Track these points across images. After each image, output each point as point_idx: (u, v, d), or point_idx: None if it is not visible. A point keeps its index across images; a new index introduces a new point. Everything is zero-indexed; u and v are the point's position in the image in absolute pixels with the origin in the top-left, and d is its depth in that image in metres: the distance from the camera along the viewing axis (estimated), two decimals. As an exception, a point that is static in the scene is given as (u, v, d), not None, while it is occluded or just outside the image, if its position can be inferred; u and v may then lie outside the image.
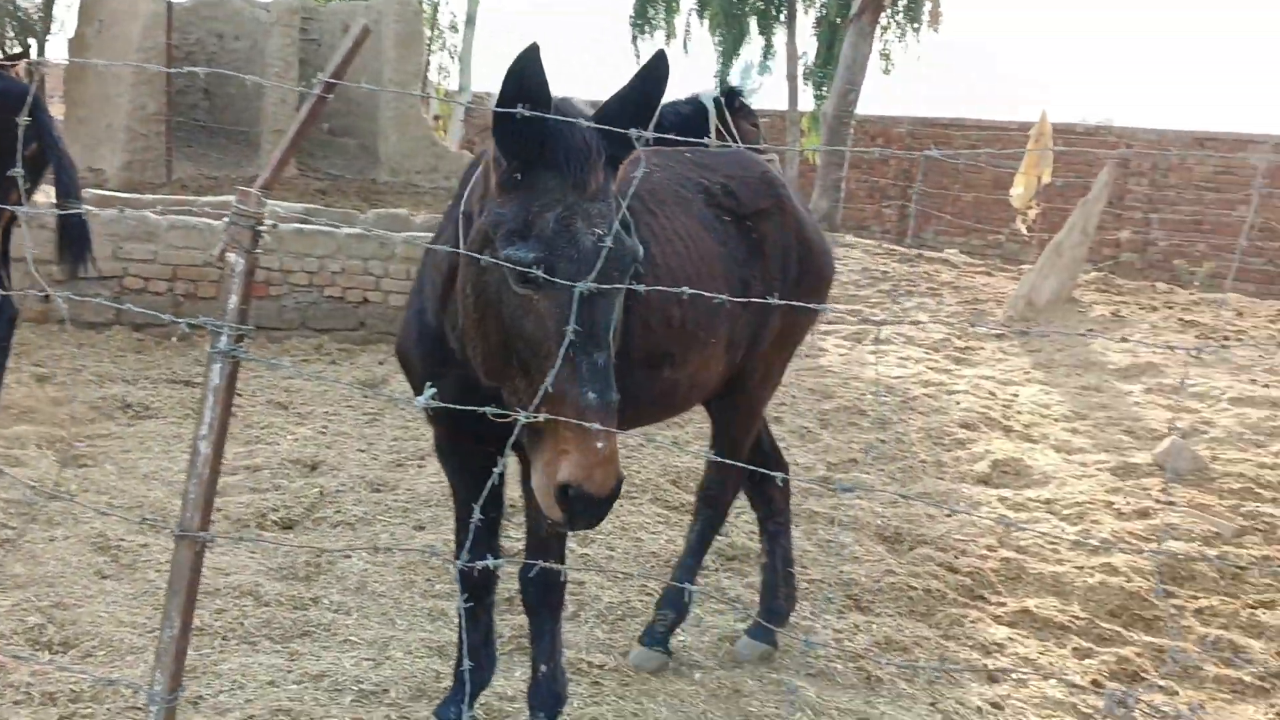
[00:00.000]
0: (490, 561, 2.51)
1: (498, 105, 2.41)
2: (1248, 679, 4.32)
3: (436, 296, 3.02)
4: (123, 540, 4.69)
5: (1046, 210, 14.23)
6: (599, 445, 2.36)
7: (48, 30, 18.85)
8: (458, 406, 2.45)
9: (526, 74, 2.41)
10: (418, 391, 2.86)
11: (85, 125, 15.71)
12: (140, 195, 11.15)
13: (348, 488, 5.58)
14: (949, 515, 5.70)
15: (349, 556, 4.73)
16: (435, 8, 25.82)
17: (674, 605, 4.17)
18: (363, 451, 6.24)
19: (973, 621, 4.69)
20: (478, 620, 3.39)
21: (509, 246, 2.43)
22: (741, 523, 5.56)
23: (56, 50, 19.06)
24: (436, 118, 21.82)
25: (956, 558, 5.29)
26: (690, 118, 8.02)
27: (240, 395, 7.04)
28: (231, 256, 2.07)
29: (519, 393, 2.51)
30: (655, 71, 2.72)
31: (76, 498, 5.07)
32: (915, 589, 4.87)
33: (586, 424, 2.35)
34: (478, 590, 3.33)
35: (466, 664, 2.46)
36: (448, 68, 26.66)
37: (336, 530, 5.14)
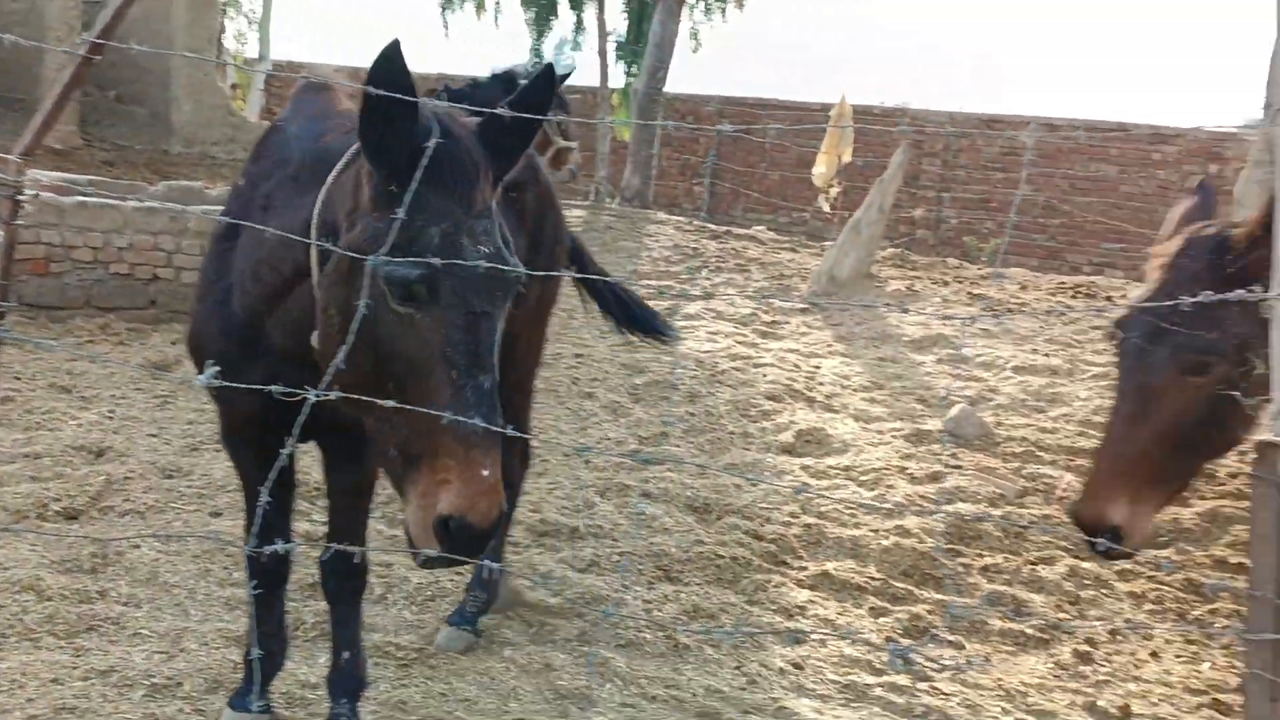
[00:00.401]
0: (280, 546, 2.41)
1: (363, 115, 2.27)
2: (1029, 631, 4.61)
3: (264, 296, 2.81)
4: (-120, 537, 4.34)
5: (847, 189, 14.72)
6: (484, 473, 2.19)
7: None
8: (244, 386, 2.32)
9: (393, 77, 2.26)
10: (222, 394, 2.68)
11: None
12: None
13: (137, 474, 5.30)
14: (755, 485, 5.85)
15: (138, 546, 4.51)
16: (231, -28, 24.64)
17: (484, 585, 4.16)
18: (154, 436, 5.93)
19: (776, 586, 4.84)
20: (271, 607, 3.27)
21: (389, 263, 2.25)
22: (554, 498, 5.57)
23: None
24: (235, 86, 20.87)
25: (762, 525, 5.43)
26: (503, 97, 7.89)
27: (19, 379, 6.60)
28: (-13, 228, 1.91)
29: (391, 419, 2.30)
30: (542, 86, 2.60)
31: None
32: (722, 557, 4.98)
33: (470, 451, 2.19)
34: (270, 577, 3.19)
35: (256, 652, 2.35)
36: (246, 34, 25.51)
37: (125, 519, 4.88)
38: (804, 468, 6.46)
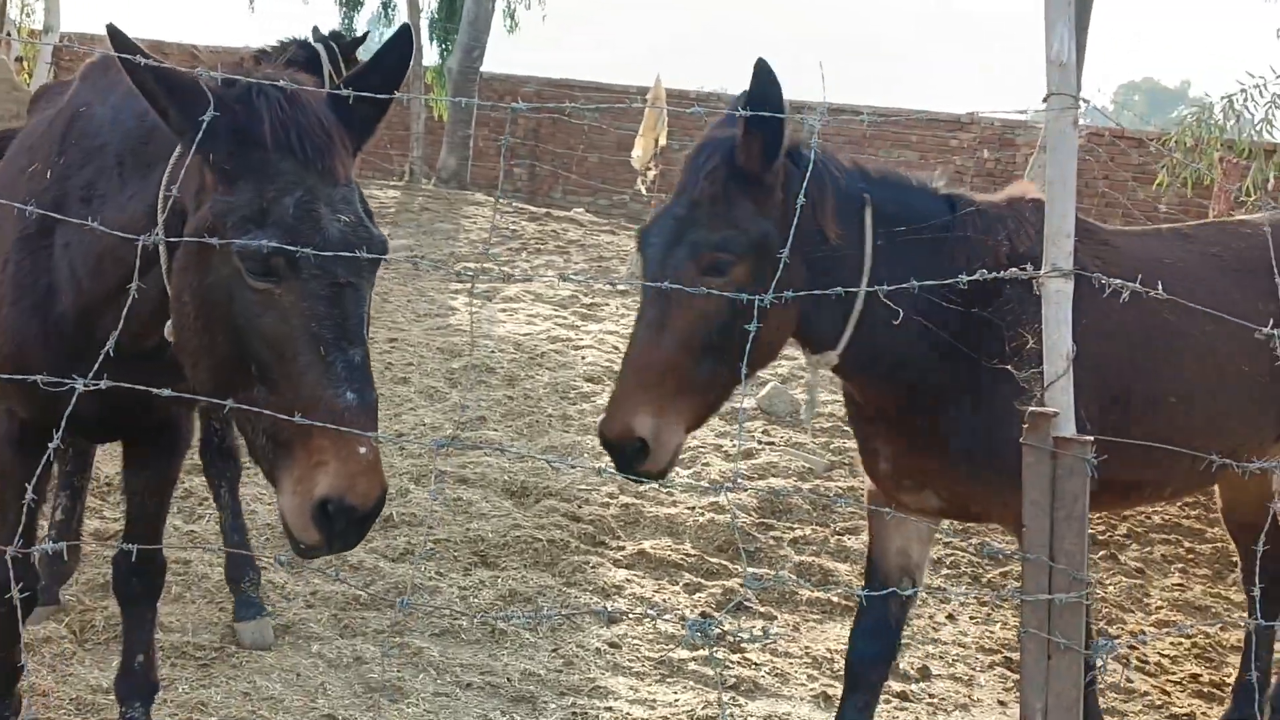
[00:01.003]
0: (49, 546, 2.25)
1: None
2: (836, 600, 4.76)
3: (105, 292, 2.57)
4: None
5: (664, 171, 14.89)
6: (361, 451, 2.06)
7: None
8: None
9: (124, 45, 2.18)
10: (31, 396, 2.46)
11: None
12: None
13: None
14: (572, 468, 5.85)
15: None
16: (12, -66, 23.02)
17: (248, 565, 4.08)
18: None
19: (594, 567, 4.86)
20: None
21: (242, 235, 2.11)
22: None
23: None
24: (19, 59, 19.54)
25: (580, 507, 5.44)
26: (304, 64, 7.65)
27: None
28: None
29: (258, 403, 2.15)
30: (398, 48, 2.49)
31: None
32: (540, 540, 4.97)
33: (345, 429, 2.05)
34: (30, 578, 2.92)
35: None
36: (32, 5, 23.89)
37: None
38: (621, 448, 6.49)
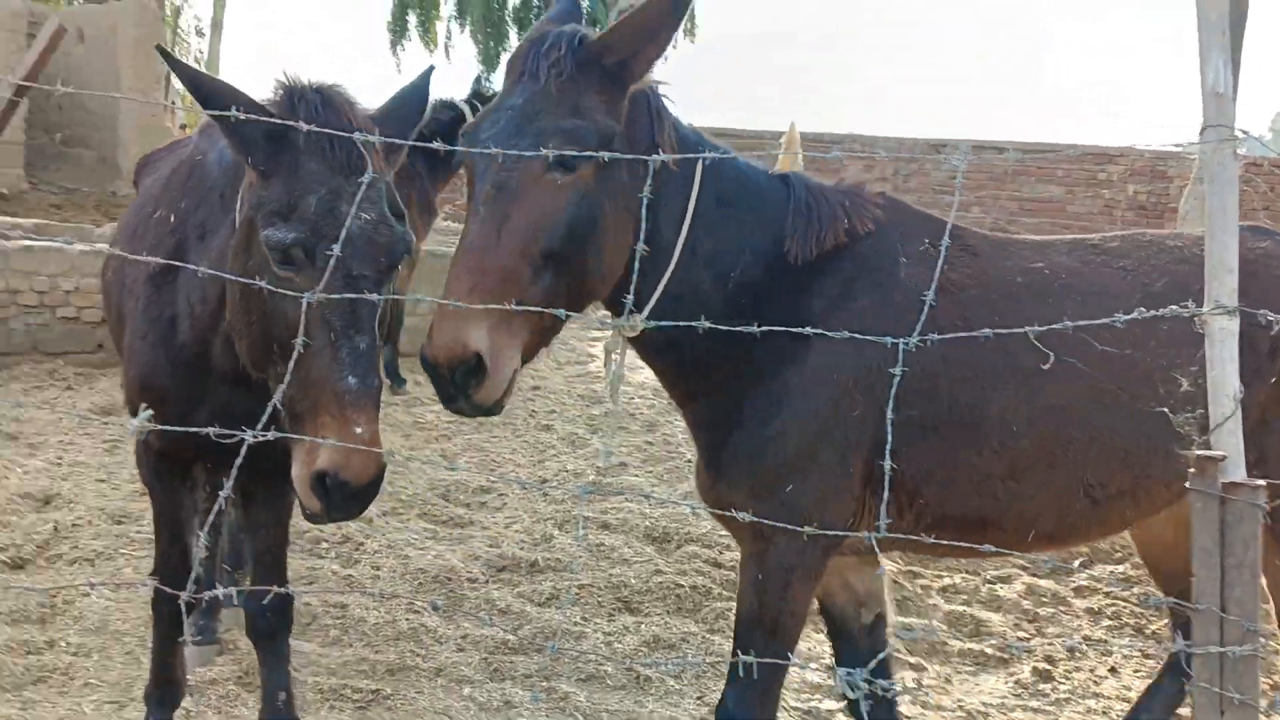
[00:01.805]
0: (220, 591, 2.37)
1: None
2: (989, 651, 4.62)
3: (209, 311, 2.82)
4: None
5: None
6: (358, 431, 2.26)
7: None
8: (178, 429, 2.31)
9: (217, 85, 2.45)
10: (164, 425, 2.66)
11: None
12: None
13: (85, 521, 5.20)
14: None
15: (88, 594, 4.42)
16: (178, 12, 24.59)
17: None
18: (102, 481, 5.83)
19: (737, 614, 4.82)
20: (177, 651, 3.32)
21: (269, 227, 2.36)
22: (512, 533, 5.53)
23: None
24: (183, 127, 20.76)
25: (721, 554, 5.42)
26: (450, 124, 7.94)
27: (-37, 427, 6.47)
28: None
29: (280, 380, 2.36)
30: (419, 89, 2.80)
31: None
32: (683, 586, 4.96)
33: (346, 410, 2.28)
34: (178, 619, 3.18)
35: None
36: (194, 74, 25.40)
37: (74, 567, 4.78)
38: (763, 494, 6.45)
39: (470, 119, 7.90)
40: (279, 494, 3.24)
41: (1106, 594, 5.18)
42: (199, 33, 25.49)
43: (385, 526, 5.52)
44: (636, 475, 6.66)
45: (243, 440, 2.12)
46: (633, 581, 4.99)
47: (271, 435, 2.16)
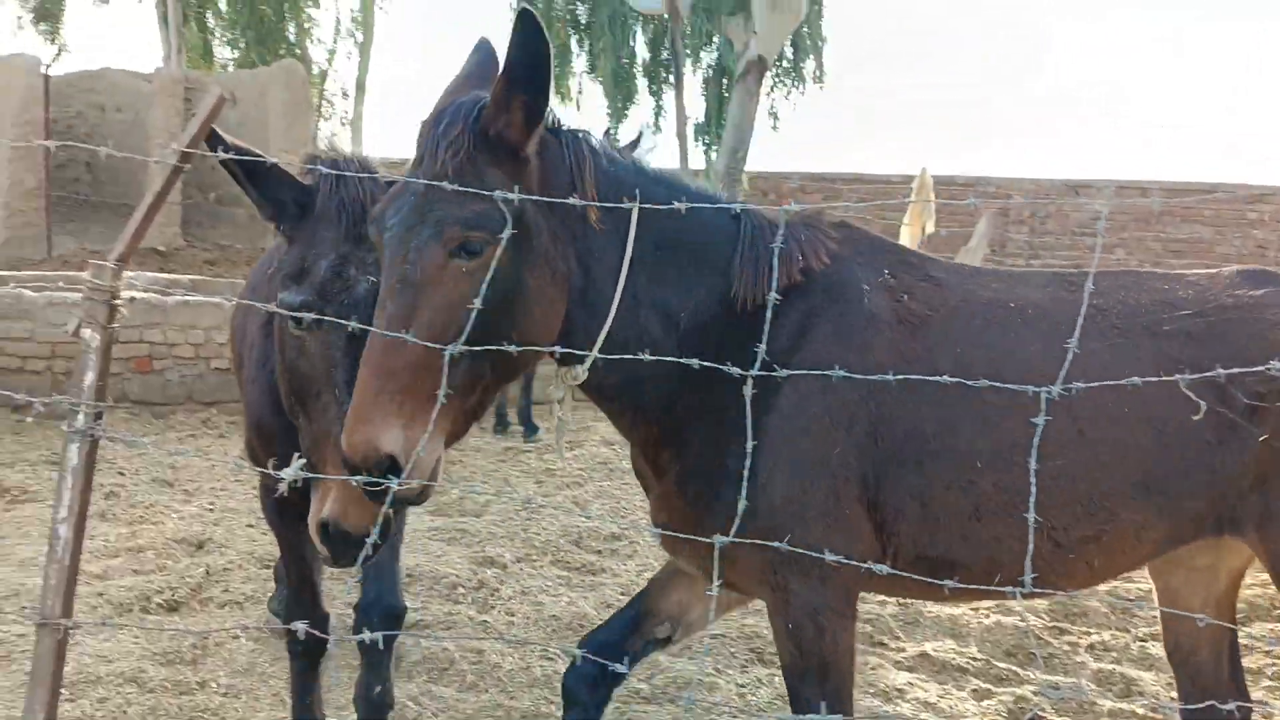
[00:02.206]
0: (367, 635, 2.43)
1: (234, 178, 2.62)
2: (1140, 712, 4.41)
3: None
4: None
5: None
6: (354, 484, 2.24)
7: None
8: (329, 476, 2.41)
9: (240, 151, 2.60)
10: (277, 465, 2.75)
11: (-41, 202, 15.19)
12: (16, 272, 10.80)
13: (236, 565, 5.41)
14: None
15: (238, 637, 4.58)
16: (324, 75, 25.71)
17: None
18: (251, 527, 6.06)
19: (873, 668, 4.71)
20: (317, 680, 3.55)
21: (283, 290, 2.59)
22: (643, 580, 5.52)
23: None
24: (329, 185, 21.63)
25: (857, 605, 5.31)
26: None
27: (123, 474, 6.81)
28: (87, 332, 2.00)
29: (301, 431, 2.67)
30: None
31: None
32: (816, 639, 4.87)
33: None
34: (317, 649, 3.45)
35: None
36: (339, 134, 26.51)
37: (224, 610, 4.96)
38: (898, 544, 6.32)
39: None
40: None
41: (1266, 652, 4.90)
42: (344, 94, 26.59)
43: (519, 572, 5.59)
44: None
45: None
46: (765, 632, 4.92)
47: (417, 483, 2.21)
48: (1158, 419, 2.58)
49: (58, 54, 21.80)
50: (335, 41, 25.68)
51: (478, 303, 2.14)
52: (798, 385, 2.45)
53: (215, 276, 12.19)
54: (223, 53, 25.25)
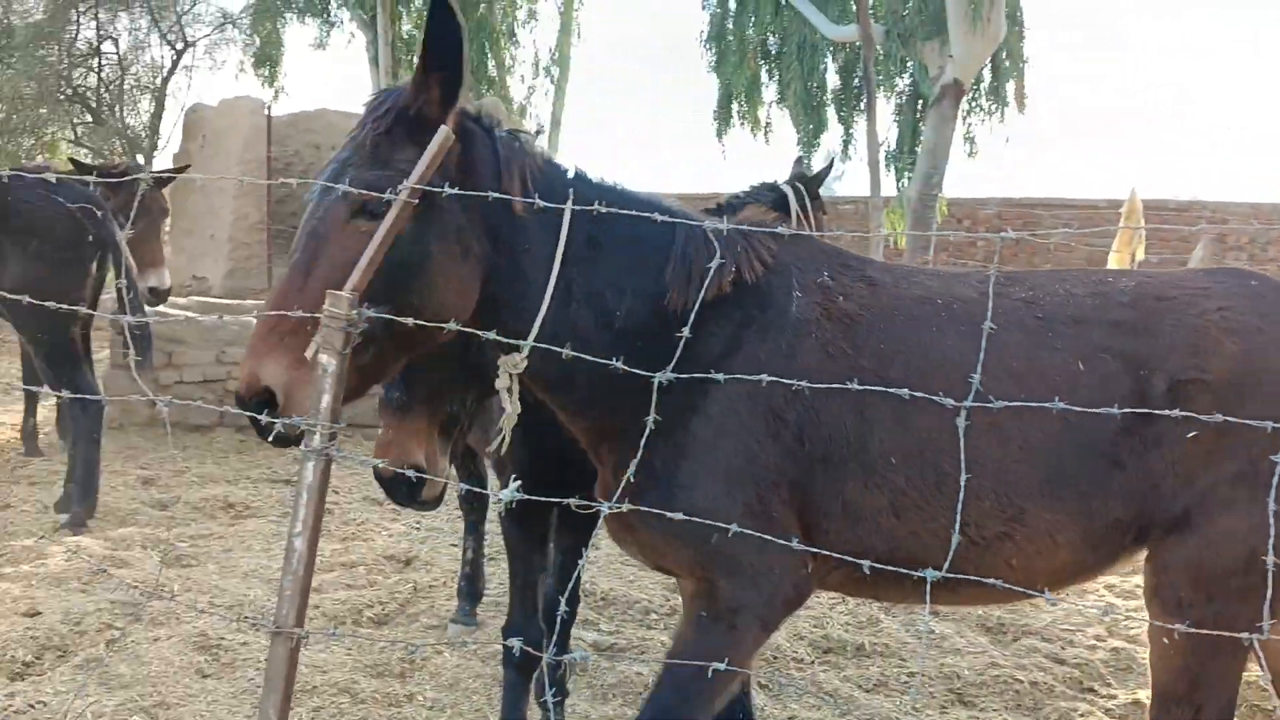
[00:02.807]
0: (576, 655, 2.48)
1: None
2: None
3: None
4: (223, 639, 4.75)
5: (1142, 287, 13.92)
6: (380, 432, 2.85)
7: (155, 147, 19.84)
8: (545, 499, 2.49)
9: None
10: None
11: (190, 236, 16.38)
12: (242, 301, 11.56)
13: (440, 582, 5.61)
14: (1054, 605, 5.51)
15: (442, 652, 4.74)
16: (523, 111, 26.58)
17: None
18: (454, 546, 6.28)
19: (1082, 715, 4.50)
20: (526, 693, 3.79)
21: None
22: (838, 614, 5.45)
23: (162, 165, 20.03)
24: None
25: (1063, 649, 5.10)
26: (773, 206, 8.08)
27: (337, 492, 7.17)
28: (323, 358, 2.13)
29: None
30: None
31: (179, 597, 5.19)
32: (1021, 681, 4.70)
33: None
34: (528, 665, 3.66)
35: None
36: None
37: (430, 626, 5.15)
38: (1109, 587, 6.04)
39: (793, 202, 8.00)
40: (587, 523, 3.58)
41: None
42: (539, 130, 27.41)
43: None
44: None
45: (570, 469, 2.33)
46: (966, 673, 4.78)
47: (625, 508, 2.25)
48: (1068, 412, 2.45)
49: (275, 96, 23.26)
50: (535, 78, 26.50)
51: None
52: (726, 390, 2.53)
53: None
54: (427, 92, 26.41)
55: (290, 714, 4.09)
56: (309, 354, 2.13)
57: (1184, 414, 2.36)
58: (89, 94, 20.89)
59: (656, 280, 2.68)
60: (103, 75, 20.42)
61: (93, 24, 20.28)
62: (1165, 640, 2.56)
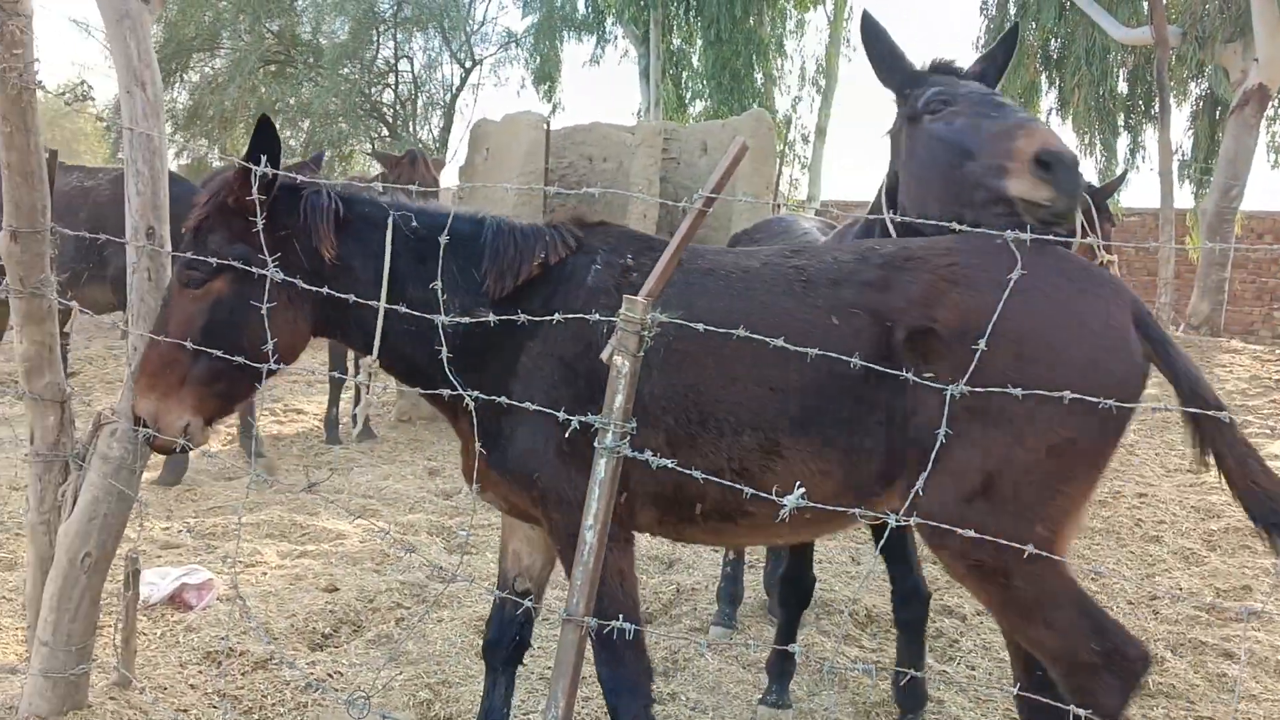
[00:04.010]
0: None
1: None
2: None
3: None
4: (500, 624, 5.00)
5: None
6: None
7: (443, 159, 21.10)
8: (827, 507, 2.50)
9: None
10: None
11: (472, 243, 17.25)
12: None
13: (702, 585, 5.70)
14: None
15: (703, 655, 4.81)
16: (788, 121, 26.61)
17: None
18: (717, 551, 6.35)
19: None
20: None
21: None
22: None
23: (450, 177, 21.31)
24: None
25: None
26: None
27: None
28: (618, 360, 2.22)
29: None
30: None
31: (461, 582, 5.50)
32: None
33: None
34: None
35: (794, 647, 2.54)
36: (798, 179, 27.31)
37: (693, 628, 5.24)
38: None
39: (1078, 213, 7.69)
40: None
41: None
42: (803, 139, 27.37)
43: (979, 626, 5.42)
44: (1262, 600, 5.90)
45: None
46: (1263, 722, 4.42)
47: (913, 523, 2.23)
48: (817, 360, 2.74)
49: (552, 110, 24.30)
50: (800, 89, 26.50)
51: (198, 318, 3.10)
52: (531, 354, 3.00)
53: (684, 313, 12.93)
54: (694, 106, 26.91)
55: (604, 705, 4.28)
56: (605, 356, 2.23)
57: (918, 367, 2.71)
58: (386, 109, 22.48)
59: (477, 275, 3.17)
60: (398, 91, 21.92)
61: (391, 44, 21.81)
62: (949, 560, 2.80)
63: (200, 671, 4.33)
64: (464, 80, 22.52)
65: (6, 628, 4.50)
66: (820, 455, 2.89)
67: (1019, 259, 2.65)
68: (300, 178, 3.21)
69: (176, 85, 20.91)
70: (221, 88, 19.68)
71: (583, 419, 2.38)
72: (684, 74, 26.74)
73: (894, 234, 3.34)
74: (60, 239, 3.50)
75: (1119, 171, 20.19)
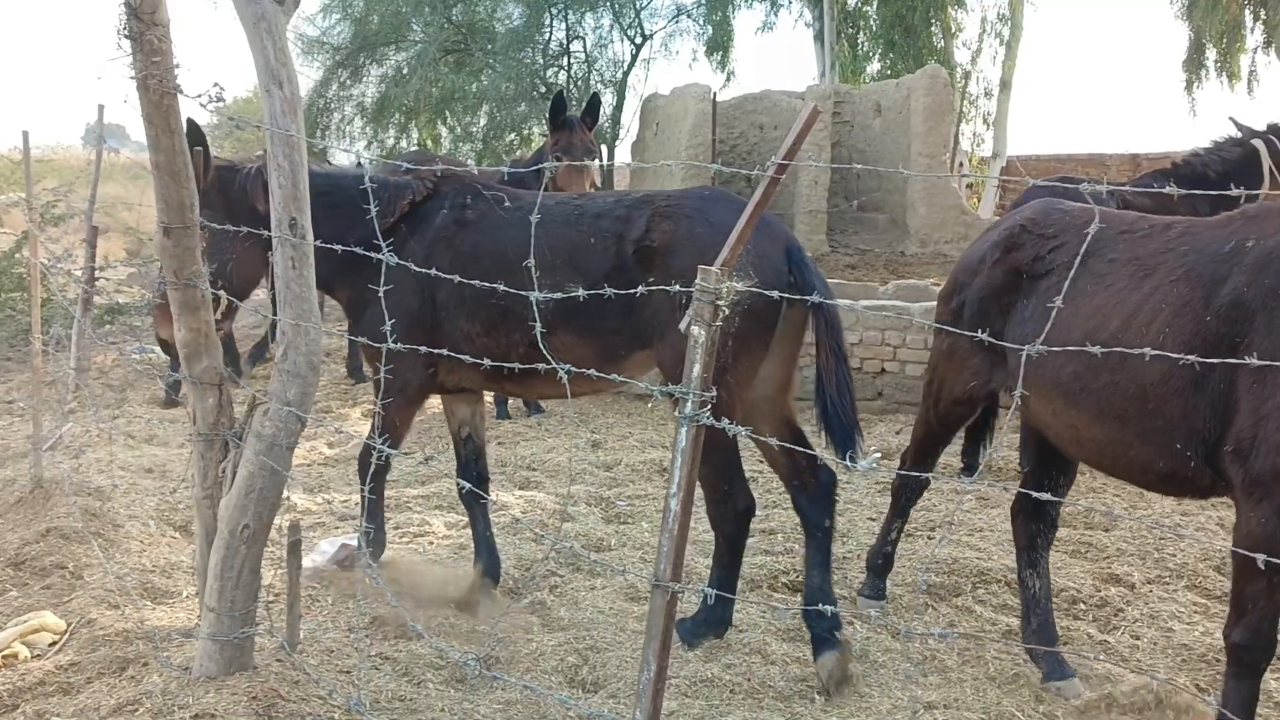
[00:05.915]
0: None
1: None
2: None
3: None
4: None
5: None
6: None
7: (616, 136, 21.31)
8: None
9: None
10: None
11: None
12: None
13: (854, 555, 5.64)
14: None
15: (853, 623, 4.78)
16: (967, 76, 25.65)
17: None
18: (873, 520, 6.27)
19: None
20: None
21: None
22: None
23: (623, 154, 21.51)
24: (969, 186, 21.56)
25: None
26: (1237, 163, 7.28)
27: (762, 462, 7.39)
28: (695, 330, 2.23)
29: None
30: None
31: (615, 551, 5.62)
32: None
33: None
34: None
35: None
36: (981, 134, 26.29)
37: (841, 597, 5.20)
38: None
39: (1265, 157, 7.16)
40: None
41: None
42: (986, 94, 26.32)
43: (1148, 595, 5.18)
44: None
45: None
46: None
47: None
48: (581, 270, 4.33)
49: (726, 81, 24.14)
50: (980, 41, 25.50)
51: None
52: (392, 273, 3.50)
53: (853, 280, 12.74)
54: (871, 66, 26.26)
55: (705, 665, 4.34)
56: (682, 326, 2.25)
57: (643, 271, 4.27)
58: (560, 90, 22.79)
59: (359, 214, 4.24)
60: (571, 72, 22.26)
61: (563, 25, 22.14)
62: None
63: (366, 635, 4.59)
64: (634, 56, 22.64)
65: (192, 595, 4.88)
66: (579, 337, 4.39)
67: (726, 207, 4.32)
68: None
69: (365, 79, 21.84)
70: (405, 79, 20.43)
71: (663, 390, 2.39)
72: (859, 35, 26.14)
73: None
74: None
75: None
